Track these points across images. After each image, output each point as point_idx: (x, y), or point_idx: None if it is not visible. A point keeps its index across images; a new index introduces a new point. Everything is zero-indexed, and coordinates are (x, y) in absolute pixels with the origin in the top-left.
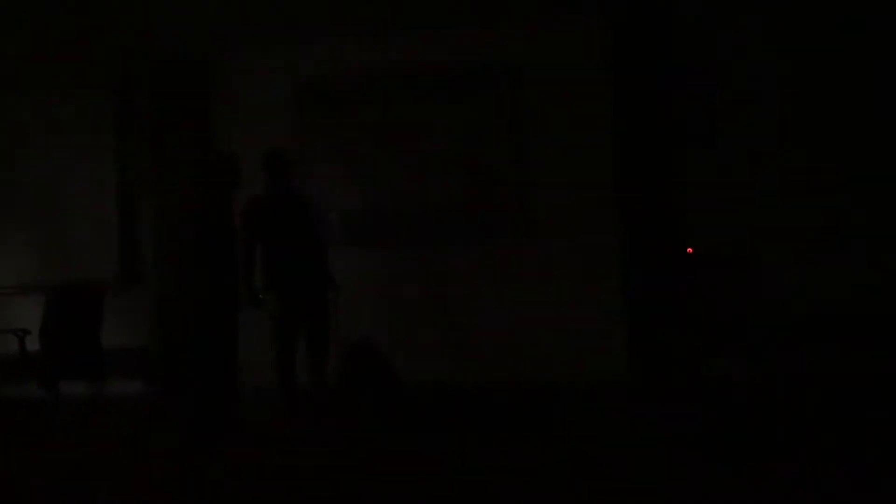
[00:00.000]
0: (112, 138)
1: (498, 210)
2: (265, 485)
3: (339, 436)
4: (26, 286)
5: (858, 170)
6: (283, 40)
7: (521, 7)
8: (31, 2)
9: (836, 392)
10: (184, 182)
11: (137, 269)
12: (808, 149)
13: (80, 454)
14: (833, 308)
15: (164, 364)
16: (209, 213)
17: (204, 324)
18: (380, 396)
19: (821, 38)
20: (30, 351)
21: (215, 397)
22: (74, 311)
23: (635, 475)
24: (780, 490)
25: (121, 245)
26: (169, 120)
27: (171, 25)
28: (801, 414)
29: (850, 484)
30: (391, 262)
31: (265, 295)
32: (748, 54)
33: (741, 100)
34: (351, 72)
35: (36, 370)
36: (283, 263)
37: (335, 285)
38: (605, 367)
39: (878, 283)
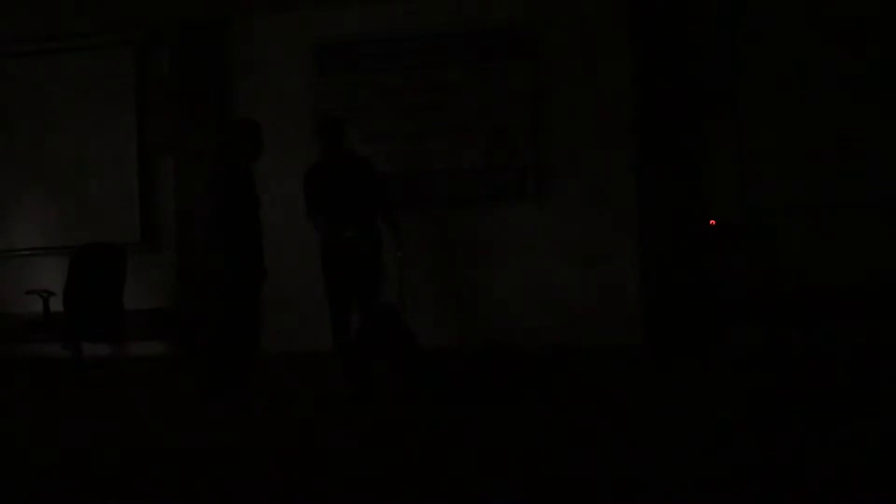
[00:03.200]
0: (132, 99)
1: (517, 173)
2: (276, 450)
3: (356, 400)
4: (51, 248)
5: (883, 139)
6: (302, 0)
7: None
8: None
9: (852, 365)
10: (203, 143)
11: (158, 230)
12: (833, 115)
13: (101, 413)
14: (851, 281)
15: (184, 325)
16: (230, 180)
17: (226, 290)
18: (397, 361)
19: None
20: (53, 311)
21: (235, 356)
22: (97, 272)
23: (645, 447)
24: (795, 463)
25: (141, 207)
26: (188, 80)
27: None
28: (817, 386)
29: (862, 458)
30: (408, 225)
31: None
32: (769, 20)
33: (763, 63)
34: (370, 34)
35: (59, 330)
36: (339, 227)
37: (400, 242)
38: (621, 334)
39: None
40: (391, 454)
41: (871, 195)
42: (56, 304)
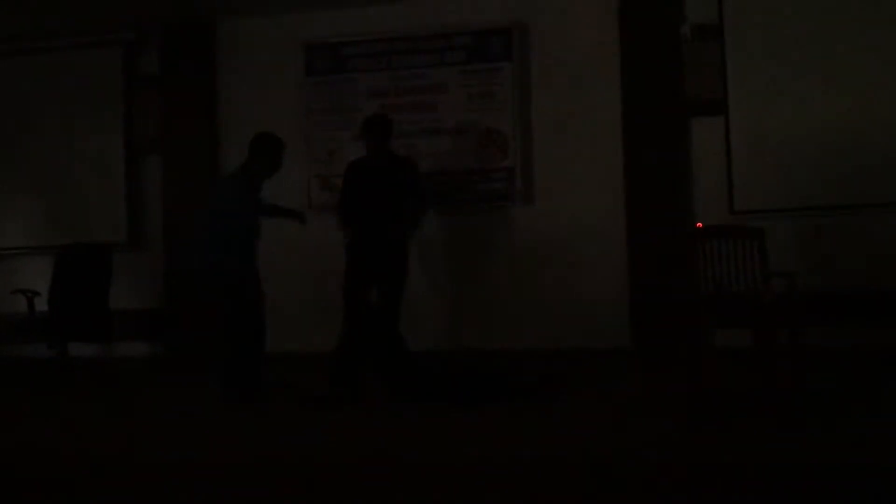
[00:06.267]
0: (120, 99)
1: (505, 175)
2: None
3: (345, 405)
4: (36, 247)
5: (870, 142)
6: (290, 2)
7: None
8: None
9: (841, 366)
10: (190, 145)
11: (145, 231)
12: (820, 117)
13: (87, 413)
14: (838, 284)
15: (171, 325)
16: (242, 194)
17: (232, 300)
18: (386, 364)
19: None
20: (39, 312)
21: (244, 363)
22: (83, 272)
23: (630, 448)
24: (783, 463)
25: (128, 207)
26: (176, 81)
27: None
28: (805, 388)
29: (851, 460)
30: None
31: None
32: (759, 24)
33: (751, 67)
34: (358, 35)
35: (45, 331)
36: (365, 225)
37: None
38: (608, 336)
39: (888, 259)
40: (379, 458)
41: (858, 198)
42: (42, 305)
